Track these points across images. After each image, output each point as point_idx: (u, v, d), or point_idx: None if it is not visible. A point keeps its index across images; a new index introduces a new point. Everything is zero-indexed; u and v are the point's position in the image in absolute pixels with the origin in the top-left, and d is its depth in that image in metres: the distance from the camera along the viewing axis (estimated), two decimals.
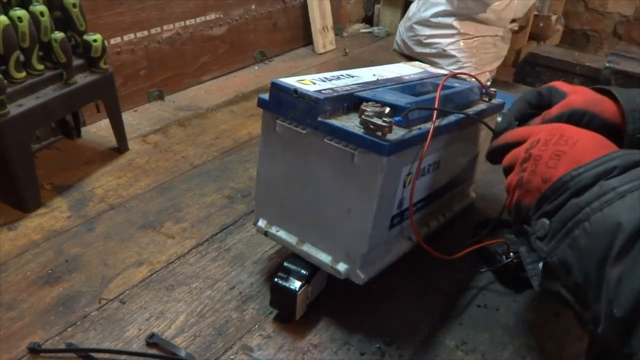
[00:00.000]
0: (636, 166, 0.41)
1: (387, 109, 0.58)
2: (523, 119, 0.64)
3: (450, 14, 1.53)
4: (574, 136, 0.48)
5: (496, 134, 0.63)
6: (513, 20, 1.57)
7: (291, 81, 0.62)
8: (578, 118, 0.58)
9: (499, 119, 1.09)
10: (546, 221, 0.46)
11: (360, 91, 0.65)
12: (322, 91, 0.61)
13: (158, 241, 0.82)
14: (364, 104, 0.58)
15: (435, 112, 0.63)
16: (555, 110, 0.60)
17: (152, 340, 0.64)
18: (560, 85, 0.63)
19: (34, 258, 0.77)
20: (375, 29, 1.98)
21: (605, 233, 0.39)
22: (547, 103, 0.62)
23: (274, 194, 0.69)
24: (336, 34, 1.83)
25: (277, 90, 0.62)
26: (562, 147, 0.47)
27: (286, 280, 0.64)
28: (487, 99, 0.81)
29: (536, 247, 0.47)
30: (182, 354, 0.62)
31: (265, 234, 0.70)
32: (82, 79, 0.93)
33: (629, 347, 0.37)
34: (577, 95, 0.59)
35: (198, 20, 1.38)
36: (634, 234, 0.37)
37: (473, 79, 0.81)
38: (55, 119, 1.03)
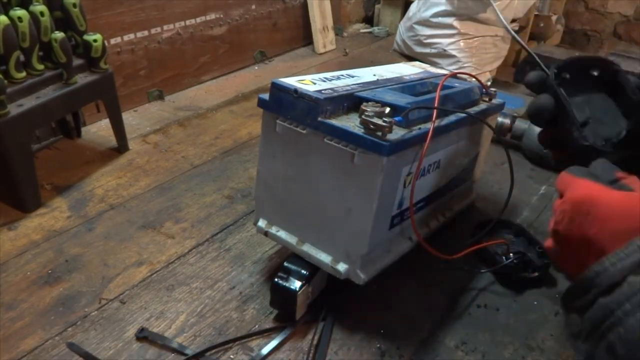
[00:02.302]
0: None
1: (387, 109, 0.58)
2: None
3: (450, 14, 1.53)
4: (603, 214, 0.43)
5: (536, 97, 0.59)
6: (513, 20, 1.57)
7: (291, 81, 0.62)
8: None
9: (499, 118, 1.09)
10: (577, 317, 0.43)
11: (360, 91, 0.65)
12: (322, 91, 0.61)
13: (158, 241, 0.82)
14: (364, 104, 0.58)
15: (435, 111, 0.63)
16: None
17: (142, 335, 0.64)
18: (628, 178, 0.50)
19: (34, 258, 0.77)
20: (375, 29, 1.98)
21: None
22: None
23: (274, 194, 0.69)
24: (336, 34, 1.83)
25: (277, 90, 0.62)
26: (590, 231, 0.43)
27: (286, 280, 0.64)
28: (487, 99, 0.81)
29: (571, 344, 0.48)
30: (175, 345, 0.63)
31: (265, 234, 0.70)
32: (82, 79, 0.93)
33: None
34: None
35: (198, 20, 1.38)
36: None
37: (473, 79, 0.81)
38: (55, 119, 1.03)
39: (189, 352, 0.62)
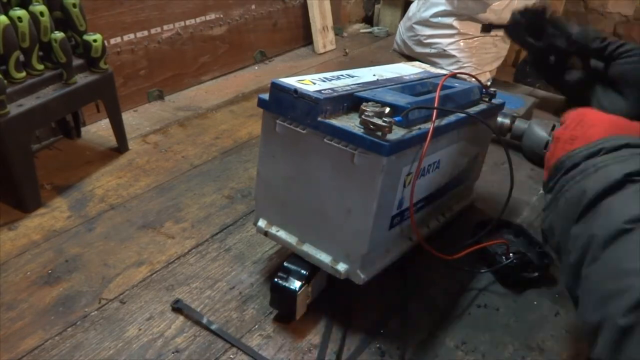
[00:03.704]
0: (621, 148, 0.48)
1: (387, 109, 0.58)
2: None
3: (450, 14, 1.53)
4: (590, 121, 0.54)
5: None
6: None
7: (291, 81, 0.62)
8: None
9: (499, 118, 1.09)
10: (548, 196, 0.54)
11: (360, 91, 0.65)
12: (322, 91, 0.61)
13: (158, 241, 0.82)
14: (364, 104, 0.58)
15: (435, 111, 0.63)
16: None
17: (177, 306, 0.69)
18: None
19: (34, 258, 0.77)
20: (375, 29, 1.98)
21: (575, 200, 0.48)
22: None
23: (274, 194, 0.69)
24: (336, 34, 1.83)
25: (277, 90, 0.62)
26: (577, 132, 0.54)
27: (286, 280, 0.64)
28: (487, 99, 0.81)
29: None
30: (204, 321, 0.67)
31: (265, 234, 0.70)
32: (82, 79, 0.93)
33: (579, 290, 0.45)
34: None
35: (198, 20, 1.38)
36: (593, 198, 0.45)
37: (473, 79, 0.81)
38: (55, 119, 1.03)
39: (216, 328, 0.66)
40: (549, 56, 1.10)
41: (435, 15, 1.55)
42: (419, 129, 0.62)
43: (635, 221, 0.41)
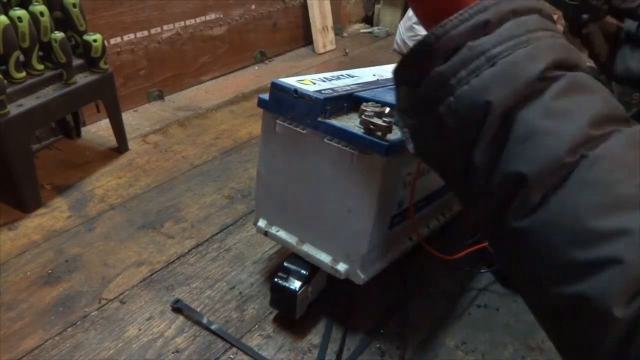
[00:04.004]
0: (513, 16, 0.33)
1: (387, 109, 0.58)
2: None
3: None
4: None
5: None
6: None
7: (291, 81, 0.62)
8: None
9: None
10: (407, 90, 0.37)
11: (360, 91, 0.65)
12: (322, 91, 0.61)
13: (158, 241, 0.82)
14: (364, 104, 0.58)
15: None
16: None
17: (177, 306, 0.69)
18: None
19: (34, 258, 0.77)
20: (375, 29, 1.98)
21: (473, 113, 0.32)
22: None
23: (274, 194, 0.69)
24: (336, 34, 1.83)
25: (277, 90, 0.62)
26: None
27: (286, 280, 0.64)
28: None
29: (399, 117, 0.39)
30: (205, 321, 0.67)
31: (265, 234, 0.70)
32: (82, 79, 0.93)
33: (494, 246, 0.35)
34: None
35: (198, 20, 1.38)
36: (504, 114, 0.31)
37: None
38: (55, 119, 1.03)
39: (216, 329, 0.66)
40: (582, 14, 1.06)
41: None
42: None
43: (579, 145, 0.30)
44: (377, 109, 0.57)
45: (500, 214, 0.32)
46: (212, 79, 1.47)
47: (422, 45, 0.34)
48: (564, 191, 0.30)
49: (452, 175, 0.37)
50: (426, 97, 0.35)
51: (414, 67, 0.35)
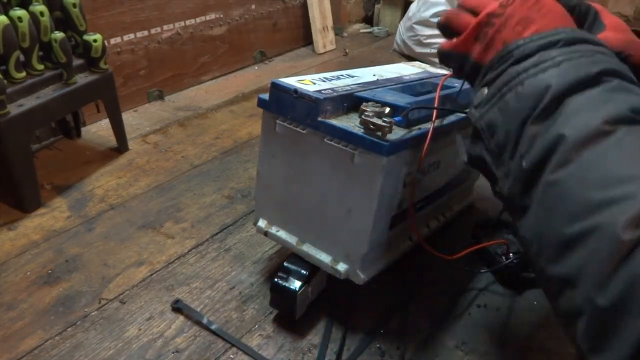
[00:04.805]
0: (579, 42, 0.42)
1: (387, 109, 0.58)
2: None
3: None
4: (549, 5, 0.46)
5: None
6: None
7: (291, 81, 0.62)
8: None
9: None
10: (485, 90, 0.45)
11: (360, 91, 0.65)
12: (322, 91, 0.61)
13: (158, 241, 0.82)
14: (364, 104, 0.58)
15: (435, 111, 0.63)
16: None
17: (177, 306, 0.69)
18: (601, 10, 0.55)
19: (34, 258, 0.77)
20: (375, 29, 1.98)
21: (534, 94, 0.40)
22: (577, 21, 0.57)
23: (274, 194, 0.69)
24: (336, 34, 1.83)
25: (277, 90, 0.62)
26: (534, 14, 0.45)
27: (286, 280, 0.64)
28: None
29: (470, 115, 0.47)
30: (205, 321, 0.67)
31: (265, 234, 0.70)
32: (82, 79, 0.93)
33: (528, 199, 0.40)
34: (617, 34, 0.53)
35: (198, 20, 1.38)
36: (559, 94, 0.38)
37: None
38: (55, 119, 1.03)
39: (216, 329, 0.66)
40: None
41: (435, 15, 1.55)
42: (419, 129, 0.62)
43: (615, 122, 0.36)
44: (377, 109, 0.57)
45: (538, 169, 0.38)
46: (212, 79, 1.47)
47: (505, 51, 0.44)
48: (597, 150, 0.36)
49: (501, 154, 0.43)
50: (498, 89, 0.43)
51: (496, 67, 0.45)
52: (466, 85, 0.56)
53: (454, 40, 0.50)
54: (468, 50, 0.49)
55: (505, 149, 0.43)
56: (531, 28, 0.44)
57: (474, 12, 0.50)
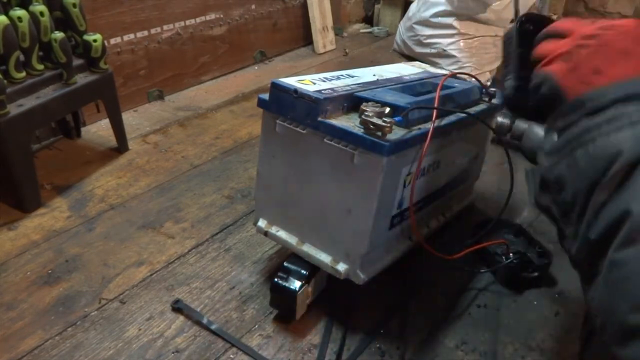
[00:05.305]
0: None
1: (387, 109, 0.58)
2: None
3: (450, 14, 1.53)
4: (622, 46, 0.42)
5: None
6: (513, 21, 1.57)
7: (291, 81, 0.62)
8: None
9: (499, 118, 1.09)
10: (555, 137, 0.43)
11: (360, 91, 0.65)
12: (322, 91, 0.61)
13: (158, 241, 0.82)
14: (364, 104, 0.58)
15: (435, 111, 0.63)
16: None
17: (177, 306, 0.69)
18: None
19: (34, 258, 0.77)
20: (375, 29, 1.98)
21: (605, 157, 0.37)
22: None
23: (274, 194, 0.69)
24: (336, 34, 1.83)
25: (277, 90, 0.62)
26: (601, 62, 0.42)
27: (286, 280, 0.64)
28: (487, 99, 0.81)
29: (539, 161, 0.45)
30: (205, 321, 0.67)
31: (265, 234, 0.70)
32: (82, 79, 0.93)
33: (595, 269, 0.38)
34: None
35: (198, 20, 1.38)
36: (631, 163, 0.36)
37: (473, 79, 0.81)
38: (55, 119, 1.03)
39: (216, 328, 0.66)
40: None
41: (435, 15, 1.55)
42: (419, 129, 0.62)
43: None
44: (377, 109, 0.57)
45: (604, 242, 0.36)
46: (212, 79, 1.47)
47: (576, 100, 0.42)
48: None
49: (569, 213, 0.42)
50: (568, 141, 0.41)
51: (567, 115, 0.42)
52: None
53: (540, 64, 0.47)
54: (552, 71, 0.45)
55: (573, 210, 0.41)
56: (601, 79, 0.41)
57: (564, 36, 0.47)
